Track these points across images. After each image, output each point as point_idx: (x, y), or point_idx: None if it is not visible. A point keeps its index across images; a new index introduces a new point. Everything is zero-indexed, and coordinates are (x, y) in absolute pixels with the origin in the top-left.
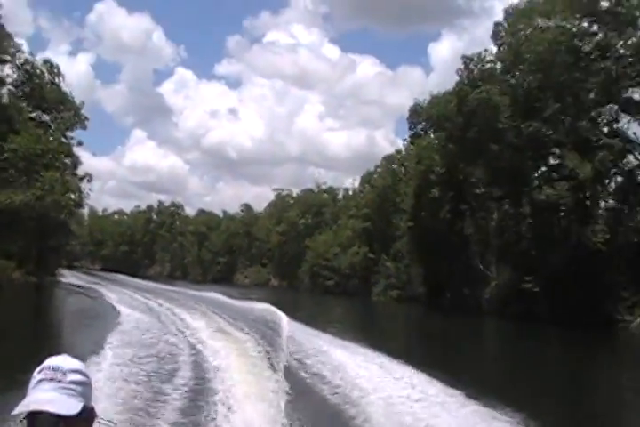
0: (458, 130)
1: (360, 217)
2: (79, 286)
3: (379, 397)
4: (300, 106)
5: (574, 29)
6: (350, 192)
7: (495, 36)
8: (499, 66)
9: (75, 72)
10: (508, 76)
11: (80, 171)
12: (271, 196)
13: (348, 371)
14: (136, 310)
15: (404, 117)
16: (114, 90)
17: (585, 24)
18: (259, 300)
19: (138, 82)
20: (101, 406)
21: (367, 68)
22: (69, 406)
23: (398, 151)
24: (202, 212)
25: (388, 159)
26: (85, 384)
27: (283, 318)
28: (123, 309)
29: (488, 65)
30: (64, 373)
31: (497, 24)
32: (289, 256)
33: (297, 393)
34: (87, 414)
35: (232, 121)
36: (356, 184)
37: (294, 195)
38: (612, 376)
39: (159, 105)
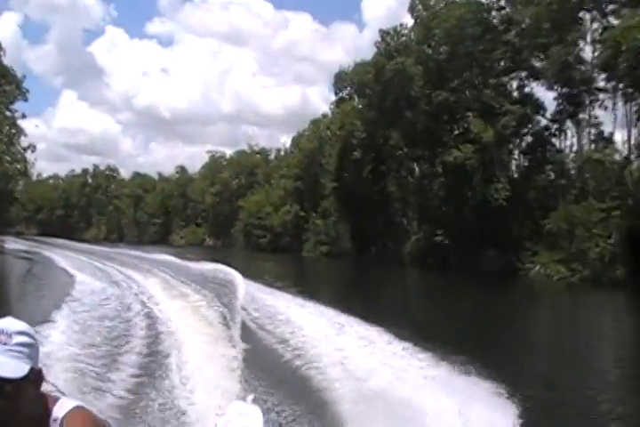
0: (376, 98)
1: (291, 177)
2: (25, 251)
3: (330, 348)
4: (233, 64)
5: (484, 2)
6: (282, 153)
7: (412, 9)
8: (413, 38)
9: (0, 32)
10: (424, 47)
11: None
12: (205, 156)
13: (298, 325)
14: (85, 273)
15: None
16: (43, 50)
17: None
18: (198, 259)
19: (67, 42)
20: (53, 370)
21: (301, 24)
22: (15, 368)
23: (324, 115)
24: (137, 175)
25: (316, 122)
26: (32, 346)
27: (237, 276)
28: (73, 271)
29: (403, 38)
30: (9, 335)
31: None
32: (223, 216)
33: (253, 350)
34: (34, 376)
35: (164, 80)
36: (287, 145)
37: (227, 156)
38: (515, 313)
39: (90, 65)
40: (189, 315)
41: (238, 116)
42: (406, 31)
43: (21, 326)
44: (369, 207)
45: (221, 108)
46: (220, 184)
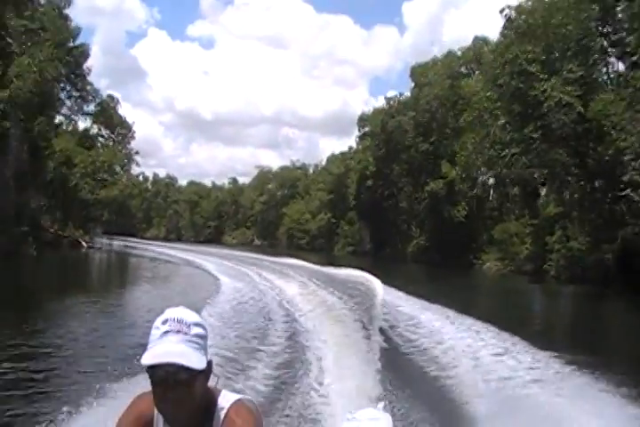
0: (383, 142)
1: (325, 190)
2: (126, 246)
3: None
4: (274, 66)
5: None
6: (319, 168)
7: (412, 76)
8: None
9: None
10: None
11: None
12: (245, 156)
13: (434, 330)
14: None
15: (377, 77)
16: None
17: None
18: (280, 254)
19: (111, 44)
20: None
21: (341, 27)
22: (198, 359)
23: (350, 148)
24: (192, 183)
25: (344, 154)
26: (206, 338)
27: (375, 282)
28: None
29: (403, 100)
30: (188, 326)
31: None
32: (268, 221)
33: (390, 354)
34: (207, 368)
35: (206, 82)
36: (324, 163)
37: (273, 171)
38: (469, 297)
39: (133, 67)
40: (325, 312)
41: (278, 119)
42: (403, 97)
43: (196, 317)
44: (384, 218)
45: (262, 111)
46: (267, 194)
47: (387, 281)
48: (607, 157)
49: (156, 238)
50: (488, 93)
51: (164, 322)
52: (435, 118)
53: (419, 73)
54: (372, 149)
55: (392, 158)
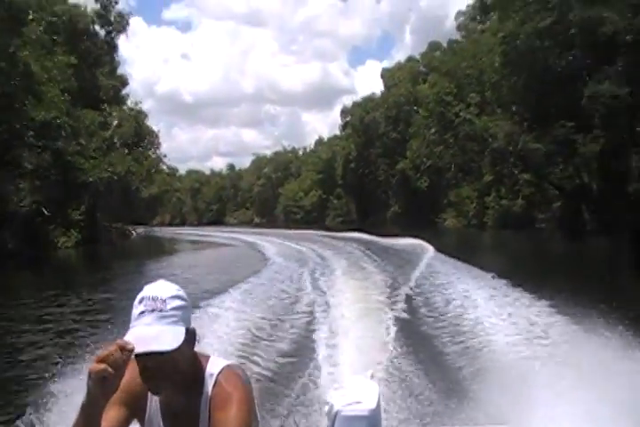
0: (361, 132)
1: (315, 171)
2: (155, 232)
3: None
4: (253, 45)
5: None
6: (308, 150)
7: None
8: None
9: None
10: (385, 109)
11: None
12: (228, 135)
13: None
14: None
15: (356, 47)
16: None
17: None
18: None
19: None
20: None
21: (318, 0)
22: (173, 337)
23: (335, 135)
24: (192, 171)
25: (330, 140)
26: (185, 308)
27: (429, 249)
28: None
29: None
30: (164, 300)
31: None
32: (266, 200)
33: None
34: (189, 336)
35: (185, 65)
36: (312, 146)
37: (268, 156)
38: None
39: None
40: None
41: (260, 96)
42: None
43: (173, 289)
44: (366, 192)
45: (243, 90)
46: (264, 178)
47: (372, 234)
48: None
49: (161, 224)
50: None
51: (140, 301)
52: (401, 112)
53: (387, 76)
54: (353, 137)
55: (369, 144)
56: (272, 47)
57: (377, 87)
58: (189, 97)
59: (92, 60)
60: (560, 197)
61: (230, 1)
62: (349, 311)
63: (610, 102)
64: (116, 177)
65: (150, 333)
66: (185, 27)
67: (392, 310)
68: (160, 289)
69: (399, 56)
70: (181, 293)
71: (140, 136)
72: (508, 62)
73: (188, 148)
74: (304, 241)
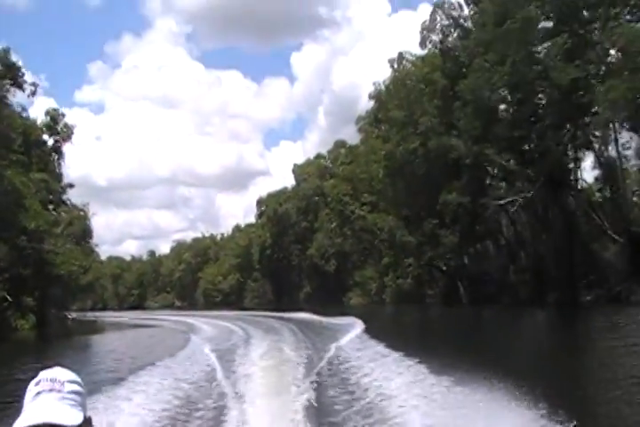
0: (276, 221)
1: (233, 256)
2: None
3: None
4: (167, 127)
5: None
6: (225, 235)
7: (293, 174)
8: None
9: None
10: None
11: None
12: (141, 218)
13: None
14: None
15: (272, 129)
16: None
17: None
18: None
19: None
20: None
21: (232, 83)
22: (73, 416)
23: (251, 224)
24: (111, 258)
25: (247, 227)
26: (82, 394)
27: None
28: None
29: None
30: (62, 383)
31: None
32: (186, 284)
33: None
34: (86, 424)
35: (98, 148)
36: (229, 232)
37: (187, 242)
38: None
39: None
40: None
41: (174, 178)
42: (287, 191)
43: (71, 375)
44: (280, 275)
45: (156, 172)
46: (184, 263)
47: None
48: None
49: (82, 310)
50: (326, 211)
51: (37, 383)
52: (310, 204)
53: (298, 171)
54: (268, 225)
55: (283, 232)
56: (187, 129)
57: (289, 170)
58: (103, 180)
59: (42, 165)
60: (443, 277)
61: (144, 83)
62: (259, 396)
63: (455, 209)
64: (82, 270)
65: (49, 408)
66: (98, 109)
67: (301, 394)
68: (58, 373)
69: (312, 137)
70: (79, 379)
71: (86, 232)
72: (389, 174)
73: (100, 232)
74: (238, 320)
